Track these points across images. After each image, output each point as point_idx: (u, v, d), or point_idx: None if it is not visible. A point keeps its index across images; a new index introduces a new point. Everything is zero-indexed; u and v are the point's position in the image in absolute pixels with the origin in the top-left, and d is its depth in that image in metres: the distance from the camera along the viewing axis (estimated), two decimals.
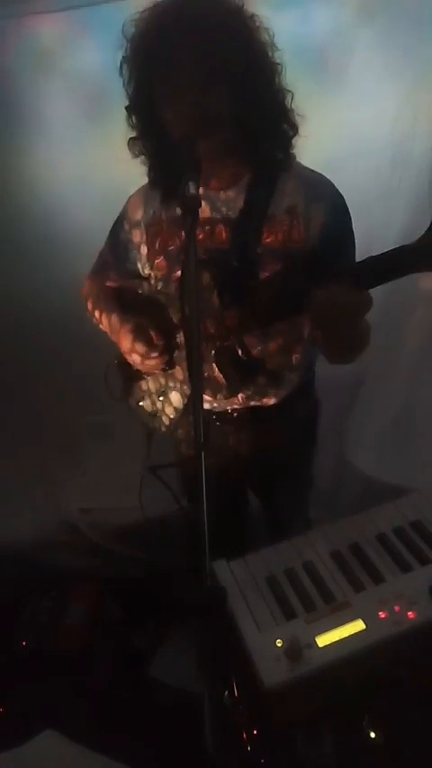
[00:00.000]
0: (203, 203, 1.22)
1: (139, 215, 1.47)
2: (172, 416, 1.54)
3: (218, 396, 1.45)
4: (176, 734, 1.51)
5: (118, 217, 1.54)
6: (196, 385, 1.04)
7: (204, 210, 1.34)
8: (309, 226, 1.33)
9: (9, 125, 1.98)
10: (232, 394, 1.44)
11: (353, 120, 1.90)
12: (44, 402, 2.46)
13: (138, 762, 1.66)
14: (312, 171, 1.38)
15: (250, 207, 1.33)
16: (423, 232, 1.10)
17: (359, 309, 1.10)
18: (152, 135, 1.28)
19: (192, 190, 1.04)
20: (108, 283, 1.62)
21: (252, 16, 1.19)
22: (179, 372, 1.47)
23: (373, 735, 1.25)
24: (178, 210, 1.37)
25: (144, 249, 1.47)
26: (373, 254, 1.09)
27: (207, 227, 1.36)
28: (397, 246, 1.07)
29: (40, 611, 2.27)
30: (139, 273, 1.54)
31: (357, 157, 1.96)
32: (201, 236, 1.36)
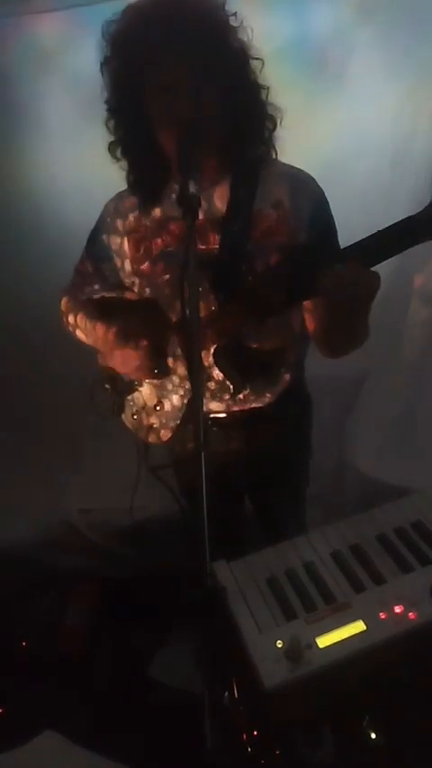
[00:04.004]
0: None
1: (118, 222, 1.45)
2: (171, 425, 1.53)
3: (225, 396, 1.44)
4: (176, 734, 1.51)
5: (94, 228, 1.52)
6: (196, 385, 1.04)
7: None
8: (298, 219, 1.34)
9: (8, 124, 1.98)
10: (237, 393, 1.44)
11: (353, 120, 1.90)
12: (44, 402, 2.46)
13: (137, 762, 1.66)
14: (292, 167, 1.38)
15: (236, 204, 1.33)
16: None
17: (367, 288, 1.11)
18: (136, 137, 1.27)
19: (192, 188, 1.04)
20: (88, 296, 1.58)
21: (234, 13, 1.20)
22: (180, 370, 1.46)
23: (373, 736, 1.25)
24: (158, 212, 1.38)
25: (127, 256, 1.46)
26: (379, 229, 1.11)
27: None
28: (402, 219, 1.10)
29: (40, 611, 2.28)
30: (122, 283, 1.52)
31: (358, 157, 1.97)
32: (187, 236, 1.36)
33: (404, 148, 1.95)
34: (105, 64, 1.23)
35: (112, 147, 1.32)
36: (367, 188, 1.98)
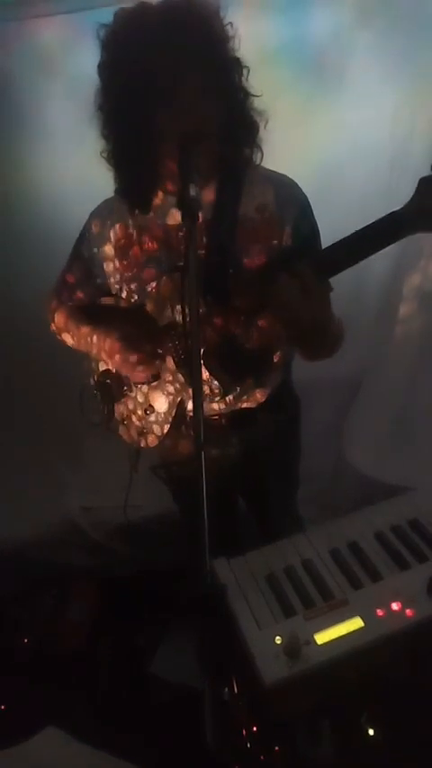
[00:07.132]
0: (175, 209, 1.22)
1: (105, 230, 1.45)
2: (162, 428, 1.53)
3: (214, 392, 1.45)
4: (176, 730, 1.53)
5: (79, 237, 1.52)
6: (196, 385, 1.05)
7: (176, 216, 1.34)
8: (282, 224, 1.36)
9: (10, 127, 1.99)
10: (226, 394, 1.45)
11: (352, 123, 1.91)
12: (45, 401, 2.47)
13: (138, 758, 1.68)
14: (276, 172, 1.40)
15: (222, 207, 1.34)
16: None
17: (319, 296, 1.13)
18: (129, 143, 1.27)
19: (192, 192, 1.05)
20: (75, 303, 1.59)
21: (229, 23, 1.22)
22: (169, 373, 1.46)
23: (371, 732, 1.26)
24: (144, 219, 1.39)
25: (114, 263, 1.45)
26: (359, 228, 1.12)
27: (182, 233, 1.35)
28: (385, 215, 1.12)
29: (41, 608, 2.29)
30: (108, 290, 1.52)
31: (356, 159, 1.97)
32: (175, 242, 1.37)
33: (402, 151, 1.95)
34: (102, 68, 1.23)
35: (108, 156, 1.32)
36: (366, 191, 1.99)
